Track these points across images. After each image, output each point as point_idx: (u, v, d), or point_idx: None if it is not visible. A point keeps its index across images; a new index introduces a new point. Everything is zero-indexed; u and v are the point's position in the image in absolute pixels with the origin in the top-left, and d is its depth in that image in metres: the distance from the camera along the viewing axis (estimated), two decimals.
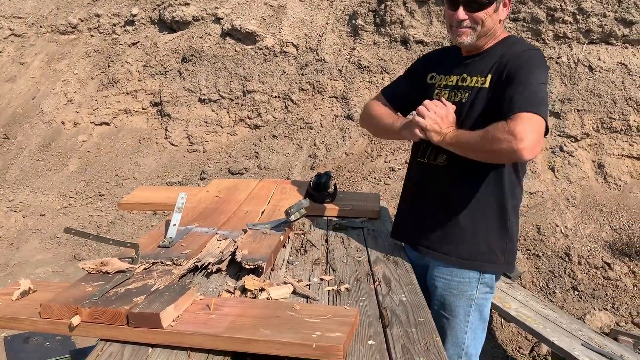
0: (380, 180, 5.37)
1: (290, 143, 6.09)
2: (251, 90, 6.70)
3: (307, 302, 1.75)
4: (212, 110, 6.90)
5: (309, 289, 1.86)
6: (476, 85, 1.96)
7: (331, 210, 2.68)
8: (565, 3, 5.45)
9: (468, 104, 1.95)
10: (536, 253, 4.32)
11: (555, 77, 5.32)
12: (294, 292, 1.79)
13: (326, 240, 2.35)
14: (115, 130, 7.21)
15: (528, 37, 5.61)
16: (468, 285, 2.07)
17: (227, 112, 6.83)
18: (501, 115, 1.79)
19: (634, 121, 4.98)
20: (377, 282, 1.94)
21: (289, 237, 2.32)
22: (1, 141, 7.17)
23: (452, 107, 1.92)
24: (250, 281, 1.78)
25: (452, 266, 2.06)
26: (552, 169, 4.98)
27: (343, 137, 5.92)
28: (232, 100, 6.82)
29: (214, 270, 1.93)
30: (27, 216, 5.75)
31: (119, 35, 8.05)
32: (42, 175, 6.64)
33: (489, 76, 1.93)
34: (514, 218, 2.09)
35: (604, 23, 5.35)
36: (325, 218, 2.62)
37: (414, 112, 1.99)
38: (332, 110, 6.22)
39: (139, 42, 7.77)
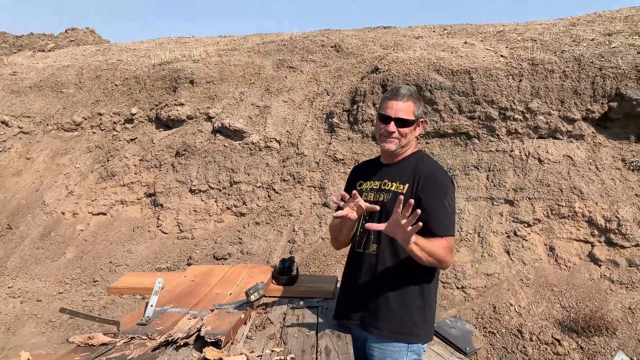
0: None
1: (272, 229, 6.55)
2: (237, 181, 7.27)
3: None
4: (202, 200, 7.42)
5: (260, 359, 2.26)
6: (396, 190, 2.47)
7: (292, 291, 3.12)
8: (514, 103, 6.15)
9: (389, 203, 2.46)
10: (492, 330, 4.66)
11: (508, 169, 5.90)
12: None
13: (284, 318, 2.76)
14: (111, 219, 7.68)
15: (484, 134, 6.26)
16: (399, 354, 2.49)
17: (215, 201, 7.35)
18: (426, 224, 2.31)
19: (579, 208, 5.49)
20: (319, 353, 2.35)
21: (250, 315, 2.74)
22: (4, 231, 7.59)
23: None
24: (210, 352, 2.20)
25: (385, 340, 2.48)
26: (508, 252, 5.41)
27: (320, 223, 6.40)
28: (220, 190, 7.37)
29: (182, 344, 2.33)
30: (24, 302, 6.07)
31: (119, 132, 8.75)
32: (41, 262, 7.01)
33: (407, 185, 2.45)
34: (433, 293, 2.55)
35: (549, 120, 6.01)
36: (287, 298, 3.05)
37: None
38: (311, 198, 6.75)
39: (136, 138, 8.45)
